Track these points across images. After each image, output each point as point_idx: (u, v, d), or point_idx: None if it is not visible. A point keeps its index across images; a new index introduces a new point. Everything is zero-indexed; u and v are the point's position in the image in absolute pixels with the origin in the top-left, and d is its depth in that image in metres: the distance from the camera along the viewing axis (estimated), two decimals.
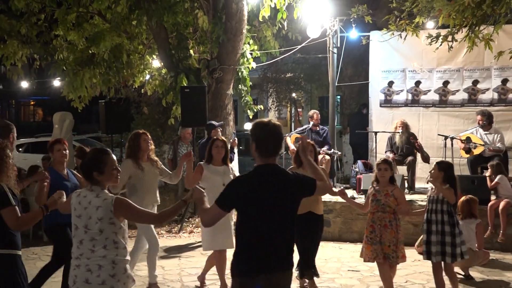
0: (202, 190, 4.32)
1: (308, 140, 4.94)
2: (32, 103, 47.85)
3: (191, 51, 12.60)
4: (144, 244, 7.37)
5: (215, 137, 7.67)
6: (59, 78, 15.90)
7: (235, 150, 11.24)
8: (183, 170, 7.91)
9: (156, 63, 14.26)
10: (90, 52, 13.68)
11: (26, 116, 48.62)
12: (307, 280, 7.32)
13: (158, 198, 7.46)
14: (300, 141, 4.70)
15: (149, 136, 7.37)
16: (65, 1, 13.23)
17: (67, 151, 7.02)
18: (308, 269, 7.26)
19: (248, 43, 12.48)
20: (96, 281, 4.18)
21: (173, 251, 9.73)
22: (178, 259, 9.26)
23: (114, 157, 4.51)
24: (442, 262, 6.75)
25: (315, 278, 7.35)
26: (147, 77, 14.72)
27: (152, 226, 7.23)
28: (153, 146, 7.41)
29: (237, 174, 9.40)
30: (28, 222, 4.93)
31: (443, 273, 6.86)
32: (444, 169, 6.73)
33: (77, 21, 13.62)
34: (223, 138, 7.68)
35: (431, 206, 6.78)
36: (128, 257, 4.38)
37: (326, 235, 8.90)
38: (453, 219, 6.71)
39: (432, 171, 6.84)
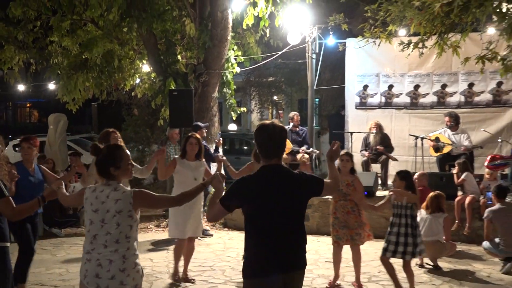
0: (221, 180, 4.20)
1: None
2: (28, 105, 47.43)
3: (179, 57, 12.59)
4: None
5: (189, 134, 7.66)
6: (54, 81, 15.86)
7: (220, 150, 11.23)
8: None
9: (145, 67, 14.22)
10: (84, 57, 13.63)
11: (23, 118, 48.20)
12: None
13: None
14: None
15: (118, 134, 7.20)
16: (60, 9, 13.19)
17: (35, 149, 6.88)
18: None
19: (233, 49, 12.49)
20: (106, 275, 4.02)
21: (161, 244, 9.69)
22: (166, 252, 9.23)
23: (128, 152, 4.43)
24: (402, 260, 6.83)
25: None
26: (137, 80, 14.68)
27: None
28: (122, 144, 7.12)
29: (213, 169, 9.42)
30: (23, 213, 4.71)
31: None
32: (404, 178, 6.90)
33: (71, 28, 13.61)
34: (197, 135, 7.64)
35: (396, 211, 6.86)
36: (137, 252, 4.23)
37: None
38: (415, 222, 6.86)
39: (394, 181, 7.03)
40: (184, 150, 7.43)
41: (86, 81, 13.57)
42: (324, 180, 4.19)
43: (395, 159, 11.43)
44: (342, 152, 7.19)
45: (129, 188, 4.25)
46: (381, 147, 11.27)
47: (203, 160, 7.62)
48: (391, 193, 6.91)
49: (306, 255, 4.07)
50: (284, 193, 3.95)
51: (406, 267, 6.88)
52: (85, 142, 19.76)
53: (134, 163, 7.14)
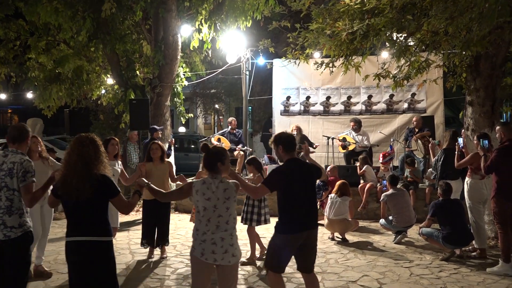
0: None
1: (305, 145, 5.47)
2: (9, 111, 45.38)
3: (138, 72, 12.38)
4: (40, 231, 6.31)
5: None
6: (31, 91, 15.32)
7: (172, 148, 11.09)
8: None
9: (110, 80, 13.92)
10: (57, 71, 13.25)
11: (5, 121, 46.05)
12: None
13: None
14: (304, 147, 5.41)
15: (39, 139, 6.45)
16: (36, 31, 12.85)
17: None
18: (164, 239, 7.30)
19: (182, 66, 12.35)
20: (220, 251, 4.11)
21: (123, 226, 9.44)
22: (127, 232, 9.02)
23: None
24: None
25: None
26: (103, 91, 14.36)
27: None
28: (43, 147, 6.42)
29: (174, 166, 9.27)
30: (133, 206, 4.17)
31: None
32: (251, 163, 6.84)
33: (46, 47, 13.28)
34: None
35: None
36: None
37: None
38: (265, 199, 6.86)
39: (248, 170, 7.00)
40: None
41: (59, 91, 13.26)
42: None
43: (312, 152, 11.52)
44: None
45: (232, 180, 4.34)
46: (305, 145, 11.33)
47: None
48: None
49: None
50: (306, 176, 4.71)
51: (252, 232, 6.90)
52: (58, 142, 19.17)
53: (56, 163, 6.44)
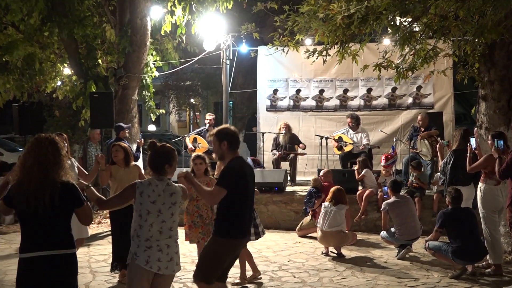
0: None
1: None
2: None
3: (100, 61, 12.28)
4: None
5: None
6: None
7: (141, 149, 11.03)
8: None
9: (67, 70, 13.76)
10: (4, 59, 13.00)
11: None
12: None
13: None
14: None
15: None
16: None
17: None
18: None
19: (152, 54, 12.30)
20: (165, 258, 4.32)
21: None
22: (87, 247, 8.94)
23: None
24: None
25: None
26: (59, 83, 14.18)
27: None
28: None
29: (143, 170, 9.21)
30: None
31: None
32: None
33: None
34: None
35: None
36: None
37: None
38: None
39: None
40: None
41: (6, 83, 12.99)
42: None
43: (304, 153, 11.59)
44: (193, 156, 7.17)
45: (179, 184, 4.57)
46: (303, 145, 11.43)
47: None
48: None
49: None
50: (252, 177, 5.06)
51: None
52: (6, 143, 18.93)
53: (81, 167, 6.91)
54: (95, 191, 4.44)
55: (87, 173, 7.34)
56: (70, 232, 4.03)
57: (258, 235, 6.91)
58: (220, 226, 4.85)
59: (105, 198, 4.65)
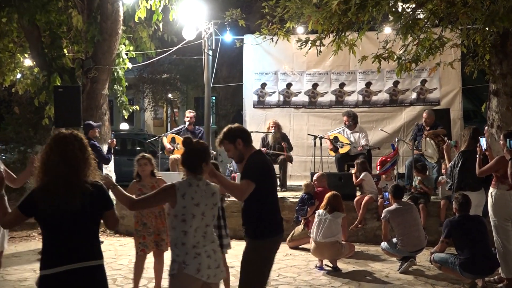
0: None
1: None
2: None
3: (65, 50, 12.23)
4: None
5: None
6: None
7: (112, 150, 10.98)
8: None
9: (28, 61, 13.70)
10: None
11: None
12: None
13: None
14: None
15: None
16: None
17: None
18: None
19: (124, 44, 12.26)
20: (214, 265, 4.40)
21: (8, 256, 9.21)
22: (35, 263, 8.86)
23: None
24: None
25: None
26: (18, 76, 14.11)
27: None
28: None
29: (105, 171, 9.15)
30: None
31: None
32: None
33: None
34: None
35: None
36: None
37: None
38: (224, 213, 6.75)
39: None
40: None
41: None
42: None
43: (290, 160, 11.57)
44: (138, 157, 7.17)
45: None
46: (285, 144, 11.37)
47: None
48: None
49: None
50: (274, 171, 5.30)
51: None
52: None
53: (8, 170, 6.73)
54: (123, 191, 4.46)
55: (15, 176, 7.06)
56: (99, 239, 4.04)
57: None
58: (256, 228, 4.91)
59: (135, 198, 4.64)
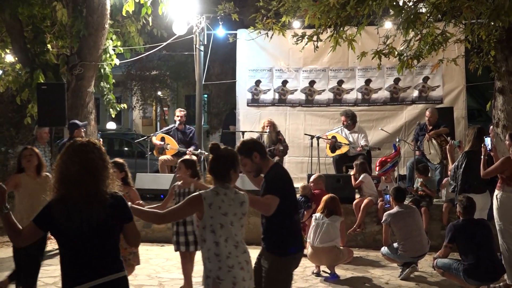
0: None
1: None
2: None
3: (49, 46, 12.23)
4: None
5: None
6: None
7: None
8: None
9: (9, 57, 13.69)
10: None
11: None
12: None
13: None
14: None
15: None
16: None
17: None
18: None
19: (111, 39, 12.26)
20: (248, 276, 4.40)
21: None
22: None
23: None
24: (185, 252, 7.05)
25: None
26: (0, 72, 14.11)
27: None
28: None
29: None
30: None
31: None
32: (190, 166, 7.02)
33: None
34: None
35: (179, 199, 6.84)
36: None
37: None
38: None
39: (179, 169, 7.06)
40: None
41: None
42: None
43: (284, 153, 11.55)
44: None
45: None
46: (278, 149, 11.36)
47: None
48: (177, 183, 6.98)
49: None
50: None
51: (187, 258, 7.06)
52: None
53: None
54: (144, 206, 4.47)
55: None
56: (119, 251, 3.94)
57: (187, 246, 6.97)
58: (281, 243, 4.96)
59: (159, 211, 4.57)
